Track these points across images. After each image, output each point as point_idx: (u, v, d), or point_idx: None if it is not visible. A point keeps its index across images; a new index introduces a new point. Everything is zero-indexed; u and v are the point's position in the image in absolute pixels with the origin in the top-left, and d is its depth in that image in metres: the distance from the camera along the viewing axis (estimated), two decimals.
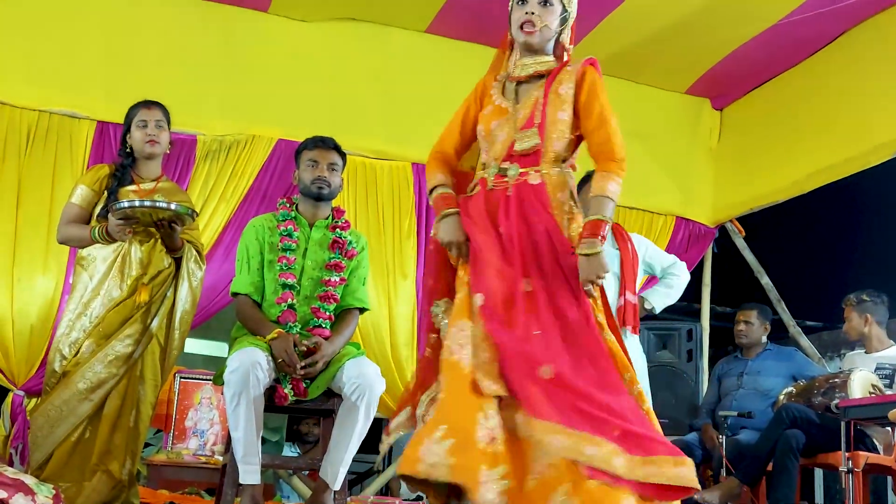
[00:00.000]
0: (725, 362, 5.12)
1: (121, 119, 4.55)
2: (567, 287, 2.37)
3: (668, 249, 5.64)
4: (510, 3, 2.63)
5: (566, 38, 2.66)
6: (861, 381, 4.07)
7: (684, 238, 5.83)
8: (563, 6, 2.61)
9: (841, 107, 5.10)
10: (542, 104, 2.51)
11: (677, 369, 5.27)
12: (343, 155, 3.38)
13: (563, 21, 2.61)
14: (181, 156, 4.77)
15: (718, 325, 6.51)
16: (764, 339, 4.98)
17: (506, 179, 2.49)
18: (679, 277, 4.23)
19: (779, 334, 5.51)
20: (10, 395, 4.35)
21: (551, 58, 2.61)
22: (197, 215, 3.37)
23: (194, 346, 6.07)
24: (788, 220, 6.13)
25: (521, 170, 2.49)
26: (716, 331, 6.33)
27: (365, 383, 2.96)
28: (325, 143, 3.31)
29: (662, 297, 4.20)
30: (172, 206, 3.19)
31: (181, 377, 4.50)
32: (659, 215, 5.74)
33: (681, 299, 4.38)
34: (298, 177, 3.31)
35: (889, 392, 4.10)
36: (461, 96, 5.30)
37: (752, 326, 4.92)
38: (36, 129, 4.59)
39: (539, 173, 2.49)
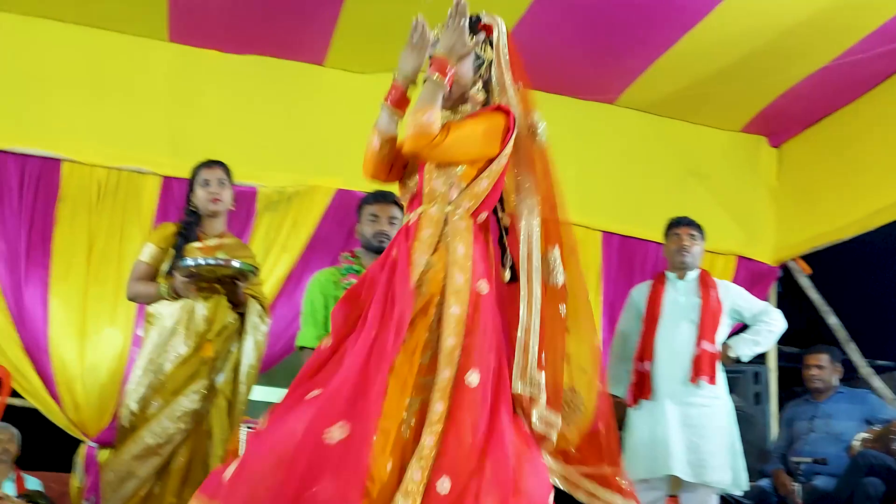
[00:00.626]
0: (795, 405, 5.01)
1: (185, 173, 4.69)
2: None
3: None
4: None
5: (495, 81, 2.58)
6: None
7: (746, 278, 5.71)
8: (476, 55, 2.55)
9: None
10: None
11: (745, 413, 5.15)
12: (402, 208, 3.42)
13: (479, 68, 2.55)
14: (242, 208, 4.85)
15: (785, 367, 6.36)
16: (836, 381, 4.86)
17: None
18: (769, 325, 4.15)
19: (848, 375, 5.38)
20: (83, 446, 4.44)
21: (468, 106, 2.55)
22: (258, 272, 3.43)
23: (259, 392, 6.07)
24: (855, 257, 5.98)
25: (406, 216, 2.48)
26: (783, 372, 6.19)
27: None
28: (385, 198, 3.36)
29: (748, 345, 4.11)
30: (235, 264, 3.27)
31: (247, 427, 4.52)
32: (720, 255, 5.65)
33: None
34: (360, 231, 3.35)
35: None
36: None
37: (825, 371, 4.81)
38: (105, 186, 4.73)
39: (417, 212, 2.43)
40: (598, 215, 5.42)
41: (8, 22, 4.77)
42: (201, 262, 3.21)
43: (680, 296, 4.07)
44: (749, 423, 5.16)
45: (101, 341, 4.56)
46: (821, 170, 5.54)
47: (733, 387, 5.22)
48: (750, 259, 5.74)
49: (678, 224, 4.19)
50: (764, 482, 4.67)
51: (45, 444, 4.85)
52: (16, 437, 4.40)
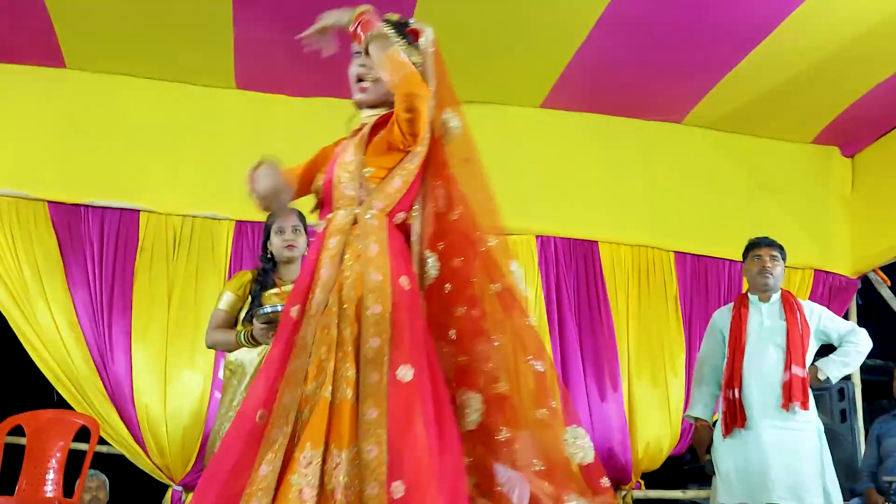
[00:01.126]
0: (883, 421, 4.87)
1: (257, 217, 4.83)
2: None
3: None
4: None
5: None
6: None
7: (825, 291, 5.60)
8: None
9: None
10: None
11: (832, 430, 5.02)
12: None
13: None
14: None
15: (869, 380, 6.19)
16: None
17: None
18: (858, 345, 4.04)
19: None
20: (170, 490, 4.53)
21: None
22: None
23: None
24: None
25: None
26: (867, 385, 6.02)
27: None
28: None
29: (838, 367, 4.01)
30: None
31: None
32: (797, 269, 5.53)
33: (827, 354, 4.19)
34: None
35: None
36: (580, 165, 5.44)
37: None
38: (181, 234, 4.86)
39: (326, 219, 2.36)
40: (669, 236, 5.40)
41: (84, 80, 4.95)
42: (279, 308, 3.25)
43: (765, 319, 3.99)
44: (837, 442, 5.02)
45: (182, 386, 4.67)
46: None
47: (819, 405, 5.10)
48: (828, 272, 5.61)
49: (758, 245, 4.09)
50: (855, 502, 4.54)
51: (134, 490, 4.98)
52: (104, 485, 4.51)
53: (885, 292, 5.65)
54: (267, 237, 3.60)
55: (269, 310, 3.19)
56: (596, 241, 5.35)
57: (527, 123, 5.39)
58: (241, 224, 4.90)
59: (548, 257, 5.28)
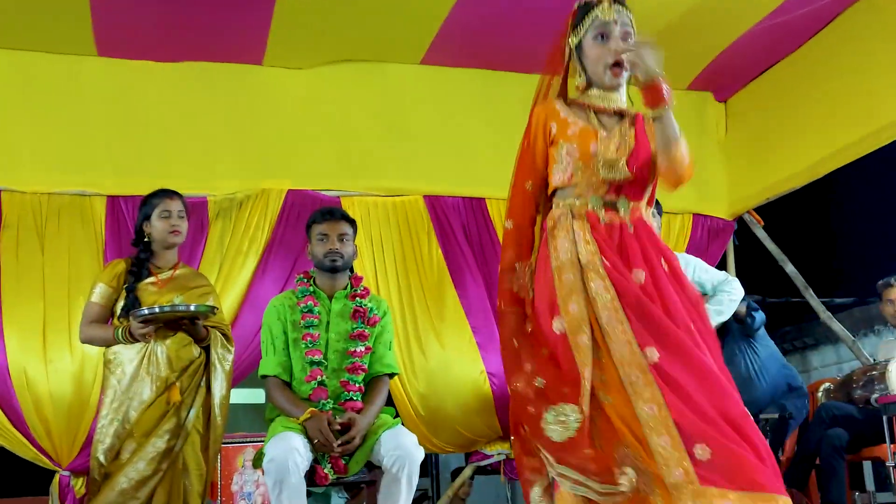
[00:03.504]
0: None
1: (131, 191, 4.65)
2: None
3: (689, 247, 5.63)
4: (577, 37, 2.46)
5: None
6: None
7: (704, 234, 5.79)
8: (634, 29, 2.49)
9: (845, 88, 5.03)
10: (644, 142, 2.38)
11: None
12: (352, 222, 3.39)
13: None
14: (194, 219, 4.77)
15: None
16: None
17: (621, 214, 2.34)
18: (731, 294, 4.20)
19: (810, 319, 5.48)
20: (57, 475, 4.41)
21: (625, 93, 2.48)
22: (217, 311, 3.40)
23: (233, 395, 6.08)
24: (807, 203, 6.08)
25: (632, 204, 2.37)
26: None
27: (404, 454, 2.97)
28: (332, 215, 3.33)
29: (713, 316, 4.14)
30: (192, 308, 3.24)
31: (222, 443, 4.53)
32: (676, 214, 5.68)
33: None
34: (311, 251, 3.33)
35: None
36: (464, 123, 5.42)
37: None
38: (47, 212, 4.63)
39: (645, 212, 2.39)
40: None
41: None
42: (156, 310, 3.18)
43: None
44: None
45: (63, 367, 4.49)
46: (767, 122, 5.58)
47: None
48: (706, 216, 5.79)
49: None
50: None
51: (19, 480, 4.82)
52: None
53: (760, 232, 5.86)
54: (146, 219, 3.46)
55: (146, 312, 3.10)
56: (483, 199, 5.35)
57: (407, 81, 5.32)
58: (113, 199, 4.71)
59: (439, 216, 5.26)
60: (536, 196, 2.46)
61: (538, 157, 2.44)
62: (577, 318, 2.25)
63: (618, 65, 2.39)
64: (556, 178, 2.40)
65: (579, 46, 2.46)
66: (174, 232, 3.43)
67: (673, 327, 2.20)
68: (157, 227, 3.43)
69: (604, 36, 2.41)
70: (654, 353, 2.16)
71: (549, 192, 2.45)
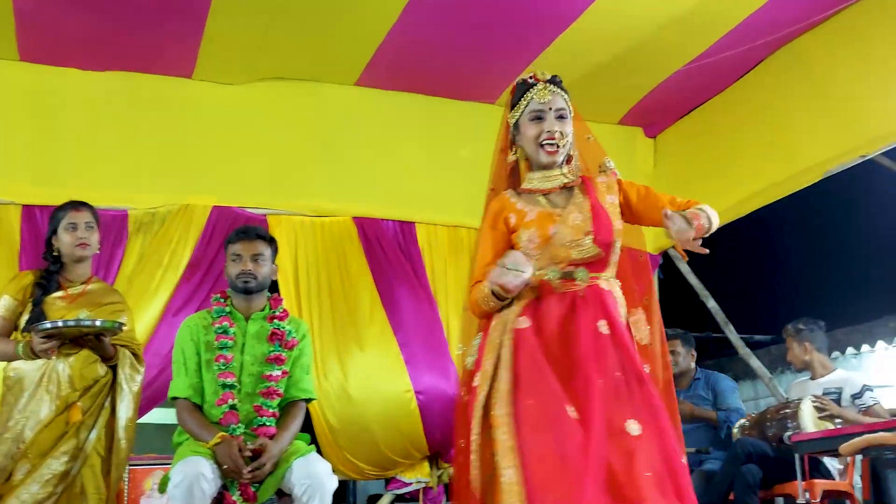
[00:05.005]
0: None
1: (48, 201, 4.49)
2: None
3: None
4: (515, 116, 2.58)
5: None
6: (811, 411, 4.12)
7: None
8: (571, 112, 2.62)
9: (770, 130, 5.16)
10: (600, 213, 2.51)
11: None
12: (270, 240, 3.31)
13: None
14: (112, 233, 4.66)
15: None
16: (692, 365, 5.04)
17: (576, 283, 2.43)
18: None
19: (730, 355, 5.57)
20: None
21: (566, 167, 2.60)
22: (124, 327, 3.28)
23: (147, 415, 5.92)
24: (731, 241, 6.19)
25: (591, 274, 2.45)
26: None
27: (316, 483, 2.89)
28: (247, 235, 3.24)
29: None
30: (97, 324, 3.11)
31: (129, 464, 4.37)
32: None
33: None
34: (226, 271, 3.25)
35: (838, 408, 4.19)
36: (397, 146, 5.40)
37: (679, 356, 5.01)
38: None
39: (608, 281, 2.50)
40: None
41: None
42: (60, 324, 3.04)
43: None
44: None
45: None
46: (694, 159, 5.68)
47: None
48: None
49: None
50: None
51: None
52: None
53: (683, 267, 5.96)
54: (54, 233, 3.34)
55: (48, 326, 2.98)
56: (413, 223, 5.32)
57: (341, 101, 5.28)
58: (28, 209, 4.54)
59: (369, 237, 5.21)
60: None
61: (500, 243, 2.54)
62: (486, 373, 2.36)
63: (550, 144, 2.50)
64: None
65: (517, 125, 2.58)
66: (81, 245, 3.31)
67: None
68: (63, 240, 3.32)
69: (539, 118, 2.53)
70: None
71: None
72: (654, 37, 4.81)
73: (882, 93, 4.43)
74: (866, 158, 4.63)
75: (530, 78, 2.60)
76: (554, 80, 2.60)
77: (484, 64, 5.11)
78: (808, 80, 4.92)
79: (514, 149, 2.61)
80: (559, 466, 2.16)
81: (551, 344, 2.34)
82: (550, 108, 2.54)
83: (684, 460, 2.32)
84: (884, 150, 4.62)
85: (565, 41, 4.78)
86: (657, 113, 5.77)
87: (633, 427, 2.24)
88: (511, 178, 2.66)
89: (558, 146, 2.52)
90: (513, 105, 2.59)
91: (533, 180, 2.56)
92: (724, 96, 5.50)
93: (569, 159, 2.62)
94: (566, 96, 2.60)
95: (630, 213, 2.64)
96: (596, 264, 2.47)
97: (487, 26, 4.68)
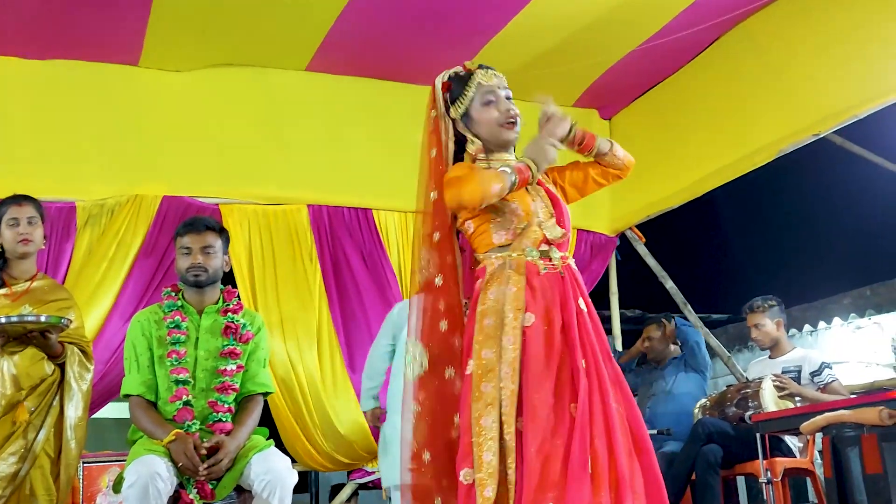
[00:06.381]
0: (638, 373, 5.22)
1: None
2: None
3: None
4: (462, 107, 2.55)
5: None
6: (771, 391, 4.15)
7: (587, 249, 5.85)
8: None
9: (723, 110, 5.18)
10: (556, 197, 2.54)
11: None
12: (220, 231, 3.21)
13: None
14: (60, 226, 4.54)
15: (630, 329, 6.60)
16: (671, 347, 5.08)
17: (553, 263, 2.42)
18: None
19: None
20: None
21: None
22: (70, 323, 3.18)
23: (101, 410, 5.80)
24: (687, 221, 6.24)
25: (561, 254, 2.46)
26: (627, 334, 6.41)
27: (275, 478, 2.82)
28: (195, 227, 3.14)
29: None
30: (42, 319, 3.01)
31: (84, 462, 4.27)
32: None
33: None
34: (176, 265, 3.16)
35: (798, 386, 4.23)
36: (350, 131, 5.32)
37: (654, 341, 5.05)
38: None
39: (569, 262, 2.49)
40: None
41: None
42: (2, 321, 2.94)
43: None
44: None
45: None
46: (649, 140, 5.67)
47: None
48: (588, 231, 5.85)
49: None
50: None
51: None
52: None
53: (641, 248, 5.97)
54: None
55: None
56: (370, 209, 5.26)
57: (292, 87, 5.18)
58: None
59: (322, 226, 5.14)
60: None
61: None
62: (487, 365, 2.31)
63: (511, 122, 2.52)
64: (496, 238, 2.45)
65: (466, 115, 2.55)
66: (23, 241, 3.21)
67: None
68: (5, 236, 3.21)
69: (492, 101, 2.54)
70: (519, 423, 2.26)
71: (483, 251, 2.48)
72: (607, 18, 4.79)
73: (834, 71, 4.46)
74: (819, 137, 4.65)
75: (461, 71, 2.60)
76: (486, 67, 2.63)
77: (436, 47, 5.04)
78: (760, 60, 4.94)
79: (470, 140, 2.56)
80: (561, 468, 2.18)
81: (553, 334, 2.34)
82: (499, 88, 2.56)
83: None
84: (836, 129, 4.64)
85: (518, 24, 4.74)
86: (612, 95, 5.77)
87: (613, 403, 2.28)
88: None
89: (516, 123, 2.54)
90: (454, 100, 2.56)
91: (492, 163, 2.52)
92: (677, 77, 5.51)
93: None
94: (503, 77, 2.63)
95: (570, 192, 2.67)
96: (563, 244, 2.49)
97: (440, 9, 4.63)
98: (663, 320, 5.14)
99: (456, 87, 2.57)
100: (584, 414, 2.21)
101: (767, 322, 4.50)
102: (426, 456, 2.36)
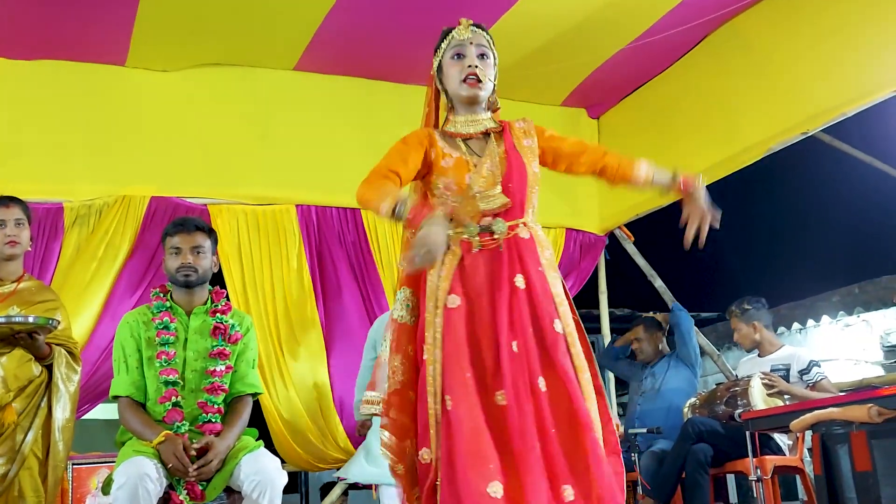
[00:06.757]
0: (630, 365, 5.28)
1: None
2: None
3: (562, 261, 5.68)
4: (437, 60, 2.53)
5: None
6: (760, 389, 4.16)
7: (576, 248, 5.86)
8: (495, 56, 2.54)
9: (710, 109, 5.19)
10: (515, 159, 2.41)
11: None
12: (210, 231, 3.20)
13: (496, 72, 2.54)
14: (47, 227, 4.51)
15: (619, 328, 6.59)
16: (660, 347, 5.11)
17: (494, 236, 2.35)
18: None
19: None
20: None
21: (489, 113, 2.53)
22: (58, 324, 3.16)
23: (90, 411, 5.77)
24: (676, 220, 6.23)
25: (509, 223, 2.37)
26: (617, 332, 6.41)
27: (265, 479, 2.81)
28: (185, 227, 3.12)
29: None
30: (30, 320, 3.00)
31: (73, 463, 4.24)
32: (549, 229, 5.72)
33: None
34: (165, 265, 3.14)
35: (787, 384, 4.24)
36: (338, 131, 5.30)
37: (643, 342, 5.08)
38: None
39: (526, 227, 2.39)
40: None
41: None
42: None
43: None
44: None
45: None
46: (638, 139, 5.69)
47: None
48: (578, 230, 5.86)
49: None
50: None
51: None
52: None
53: (630, 247, 5.98)
54: None
55: None
56: (358, 209, 5.24)
57: (280, 87, 5.18)
58: None
59: (310, 226, 5.13)
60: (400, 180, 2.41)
61: (413, 154, 2.42)
62: (428, 348, 2.32)
63: (472, 76, 2.44)
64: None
65: (440, 69, 2.53)
66: (10, 243, 3.19)
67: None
68: None
69: (460, 55, 2.48)
70: (448, 402, 2.23)
71: None
72: (595, 18, 4.80)
73: (822, 70, 4.48)
74: (807, 135, 4.66)
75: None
76: (477, 24, 2.56)
77: (424, 47, 4.97)
78: (748, 58, 4.95)
79: (440, 95, 2.54)
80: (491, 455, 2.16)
81: (477, 316, 2.30)
82: (472, 44, 2.49)
83: (593, 414, 2.25)
84: (824, 127, 4.65)
85: (506, 23, 4.74)
86: (600, 94, 5.78)
87: (542, 384, 2.23)
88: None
89: (479, 79, 2.44)
90: (434, 53, 2.54)
91: (457, 124, 2.48)
92: (665, 76, 5.52)
93: (495, 109, 2.55)
94: (489, 38, 2.54)
95: (554, 160, 2.56)
96: (512, 211, 2.39)
97: (427, 9, 4.61)
98: (654, 315, 5.19)
99: (439, 40, 2.55)
100: (510, 400, 2.19)
101: (743, 326, 4.58)
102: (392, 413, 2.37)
